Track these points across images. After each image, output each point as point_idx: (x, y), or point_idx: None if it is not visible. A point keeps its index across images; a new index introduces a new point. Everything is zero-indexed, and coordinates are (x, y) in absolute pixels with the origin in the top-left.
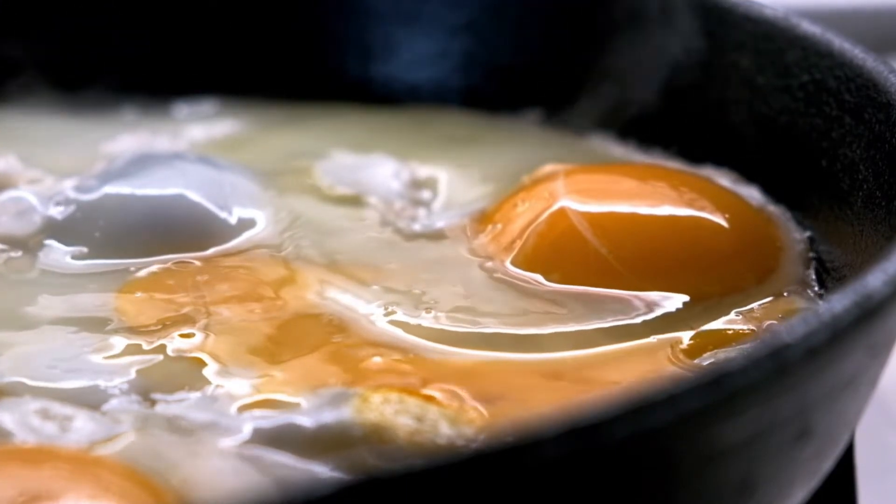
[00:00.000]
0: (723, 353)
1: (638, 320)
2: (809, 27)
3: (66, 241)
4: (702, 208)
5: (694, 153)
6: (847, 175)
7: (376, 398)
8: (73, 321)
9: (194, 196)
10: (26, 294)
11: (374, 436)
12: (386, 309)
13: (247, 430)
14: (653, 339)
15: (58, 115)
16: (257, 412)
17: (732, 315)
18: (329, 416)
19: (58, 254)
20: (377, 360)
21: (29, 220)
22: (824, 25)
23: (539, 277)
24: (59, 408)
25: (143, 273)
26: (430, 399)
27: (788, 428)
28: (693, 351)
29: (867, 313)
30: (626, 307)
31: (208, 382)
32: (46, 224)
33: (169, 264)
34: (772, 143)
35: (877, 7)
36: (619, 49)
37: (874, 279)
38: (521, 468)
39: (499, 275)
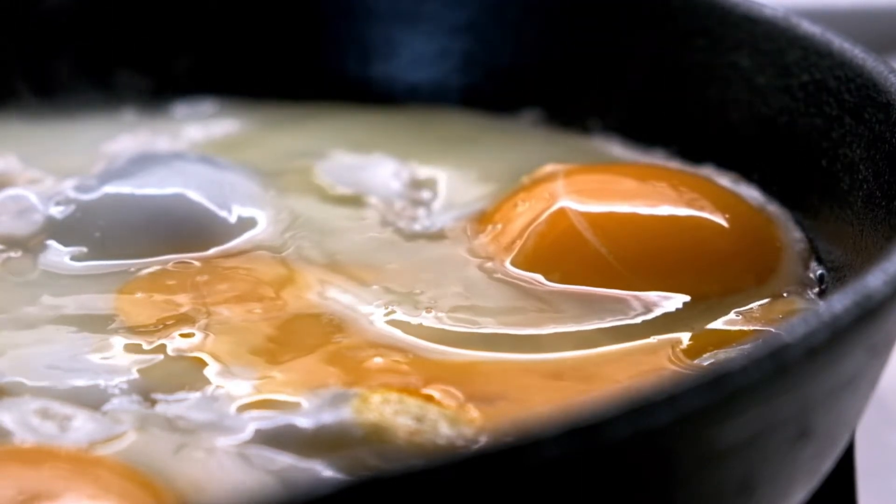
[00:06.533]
0: (723, 353)
1: (638, 320)
2: (809, 27)
3: (66, 242)
4: (702, 208)
5: (694, 153)
6: (847, 175)
7: (376, 398)
8: (73, 321)
9: (194, 196)
10: (26, 294)
11: (374, 436)
12: (386, 309)
13: (247, 430)
14: (653, 339)
15: (58, 115)
16: (257, 412)
17: (732, 315)
18: (329, 417)
19: (58, 254)
20: (377, 360)
21: (29, 220)
22: (824, 25)
23: (539, 277)
24: (59, 408)
25: (143, 273)
26: (429, 399)
27: (788, 428)
28: (693, 351)
29: (867, 313)
30: (625, 307)
31: (208, 382)
32: (46, 224)
33: (169, 264)
34: (772, 143)
35: (877, 7)
36: (619, 49)
37: (874, 279)
38: (521, 468)
39: (499, 275)
